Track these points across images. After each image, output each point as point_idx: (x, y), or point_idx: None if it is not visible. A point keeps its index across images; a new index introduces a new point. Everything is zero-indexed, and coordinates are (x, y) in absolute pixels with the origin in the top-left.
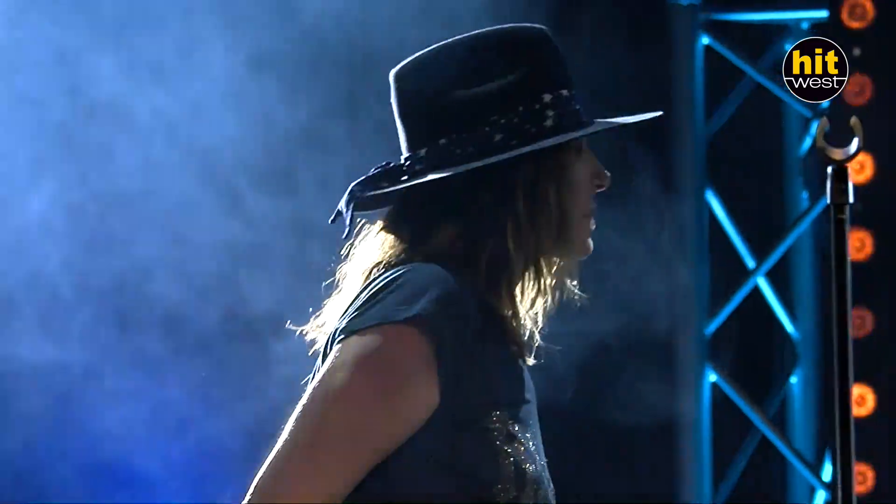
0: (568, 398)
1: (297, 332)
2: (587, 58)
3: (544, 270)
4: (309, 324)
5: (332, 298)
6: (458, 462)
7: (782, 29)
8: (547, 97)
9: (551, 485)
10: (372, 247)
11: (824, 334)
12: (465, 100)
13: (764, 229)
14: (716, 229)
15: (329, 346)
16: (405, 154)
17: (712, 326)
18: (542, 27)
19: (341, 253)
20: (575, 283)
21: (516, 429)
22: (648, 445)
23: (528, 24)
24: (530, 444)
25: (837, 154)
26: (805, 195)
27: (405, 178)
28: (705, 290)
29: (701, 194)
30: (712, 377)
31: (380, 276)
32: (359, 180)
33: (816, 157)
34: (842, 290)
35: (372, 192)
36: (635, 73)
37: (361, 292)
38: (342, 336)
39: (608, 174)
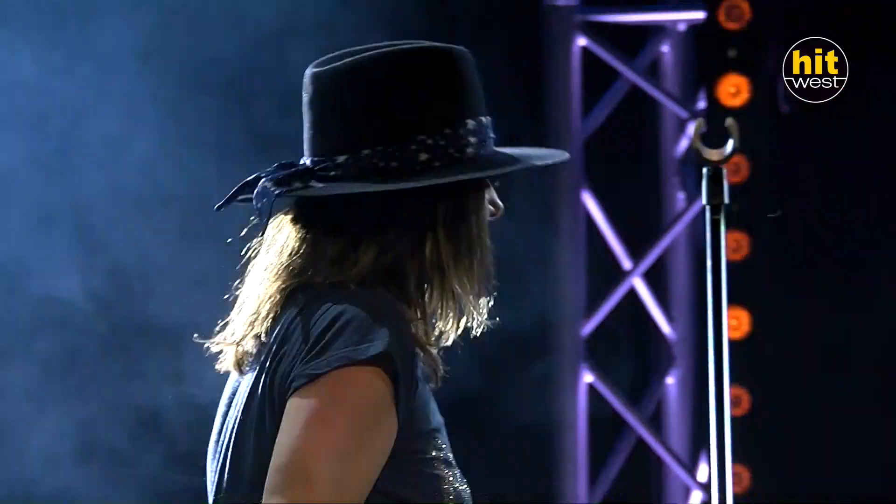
0: (446, 398)
1: (204, 346)
2: None
3: (457, 295)
4: (218, 337)
5: (240, 310)
6: (410, 495)
7: (659, 30)
8: (470, 123)
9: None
10: (289, 259)
11: (700, 335)
12: (392, 113)
13: (640, 230)
14: (592, 230)
15: (282, 384)
16: (315, 157)
17: (588, 327)
18: (465, 50)
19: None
20: (483, 307)
21: (447, 452)
22: (524, 446)
23: (454, 45)
24: (456, 467)
25: (713, 155)
26: (681, 196)
27: (321, 183)
28: (581, 290)
29: (577, 195)
30: (588, 378)
31: (317, 305)
32: (269, 177)
33: (692, 158)
34: (717, 290)
35: (285, 192)
36: (512, 73)
37: (302, 324)
38: (304, 381)
39: (501, 205)
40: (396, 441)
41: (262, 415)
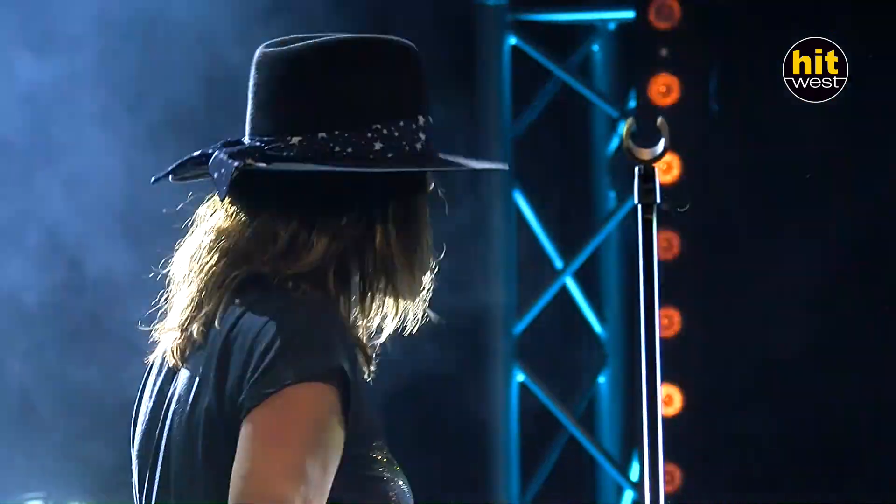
0: (379, 396)
1: (150, 334)
2: None
3: (399, 290)
4: (156, 324)
5: (175, 294)
6: (358, 499)
7: (589, 29)
8: (422, 120)
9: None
10: (231, 241)
11: (632, 334)
12: (352, 99)
13: (571, 229)
14: (523, 229)
15: (233, 403)
16: (262, 136)
17: (520, 326)
18: (412, 45)
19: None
20: (421, 305)
21: (386, 452)
22: (456, 444)
23: (407, 41)
24: (395, 463)
25: (644, 154)
26: (612, 195)
27: (276, 162)
28: (513, 290)
29: (508, 194)
30: (520, 377)
31: (262, 311)
32: (221, 151)
33: (623, 157)
34: (649, 289)
35: (243, 167)
36: (442, 73)
37: (247, 335)
38: (256, 402)
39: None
40: (344, 448)
41: (214, 432)
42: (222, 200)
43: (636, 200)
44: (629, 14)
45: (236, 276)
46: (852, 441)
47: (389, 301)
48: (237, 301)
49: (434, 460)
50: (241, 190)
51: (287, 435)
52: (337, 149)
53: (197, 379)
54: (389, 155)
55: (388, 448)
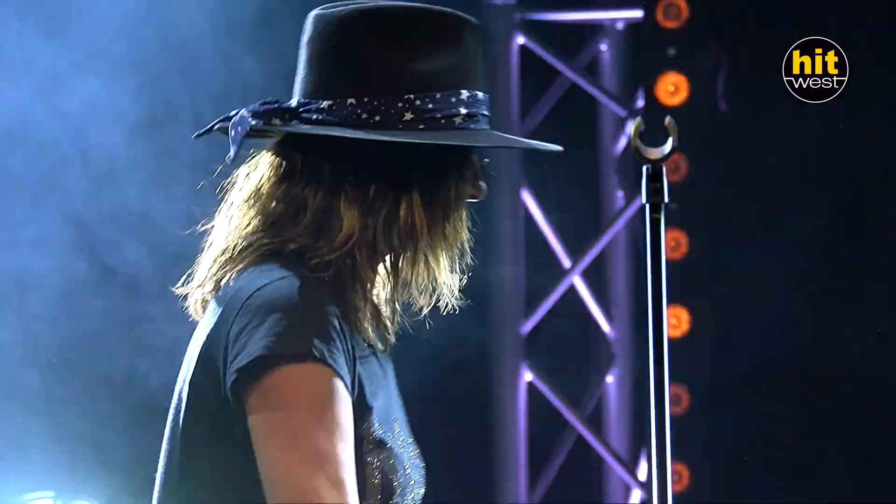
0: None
1: (180, 296)
2: None
3: (429, 264)
4: (188, 285)
5: (206, 251)
6: None
7: (597, 29)
8: (464, 93)
9: (421, 478)
10: (263, 207)
11: (640, 334)
12: (385, 67)
13: (579, 228)
14: (531, 228)
15: (224, 375)
16: (302, 98)
17: (528, 326)
18: (474, 21)
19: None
20: (455, 283)
21: (382, 431)
22: (464, 444)
23: (465, 15)
24: (397, 442)
25: (652, 154)
26: (620, 194)
27: (302, 124)
28: (521, 289)
29: (516, 193)
30: (528, 376)
31: (261, 281)
32: (248, 109)
33: (631, 156)
34: (657, 289)
35: (261, 126)
36: None
37: (235, 306)
38: (233, 377)
39: (484, 187)
40: None
41: (198, 401)
42: (232, 161)
43: (644, 200)
44: (637, 13)
45: (260, 241)
46: (862, 441)
47: (420, 273)
48: (250, 267)
49: (441, 460)
50: (277, 152)
51: (291, 422)
52: (364, 115)
53: (199, 342)
54: (420, 126)
55: (383, 426)
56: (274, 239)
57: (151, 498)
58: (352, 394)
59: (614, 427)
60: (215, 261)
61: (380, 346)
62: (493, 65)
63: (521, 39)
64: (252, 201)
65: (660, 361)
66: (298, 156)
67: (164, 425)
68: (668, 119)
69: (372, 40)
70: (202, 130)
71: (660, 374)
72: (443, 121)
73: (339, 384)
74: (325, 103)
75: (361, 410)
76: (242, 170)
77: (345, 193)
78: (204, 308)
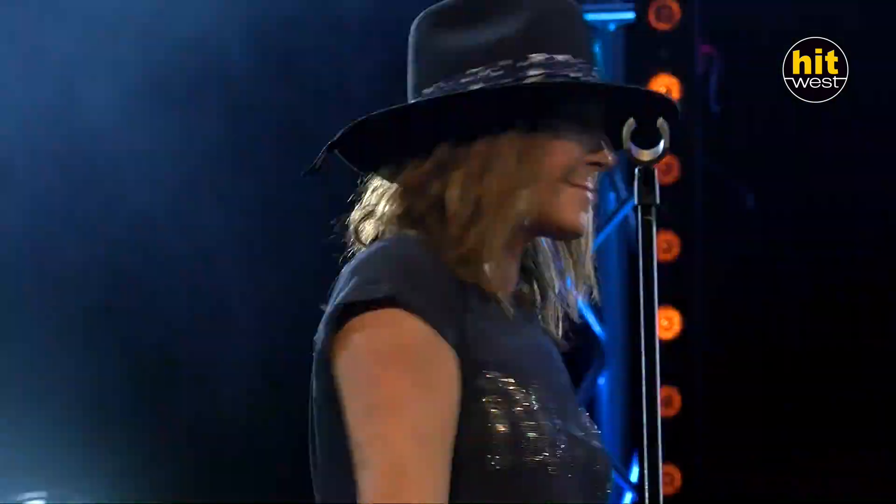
0: None
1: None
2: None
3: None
4: None
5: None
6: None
7: (589, 30)
8: (537, 57)
9: (593, 451)
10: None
11: (631, 335)
12: (448, 51)
13: None
14: None
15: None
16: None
17: None
18: None
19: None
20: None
21: (515, 389)
22: None
23: None
24: (539, 405)
25: (644, 155)
26: (612, 196)
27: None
28: None
29: None
30: None
31: (358, 256)
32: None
33: (623, 158)
34: (649, 291)
35: (372, 116)
36: None
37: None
38: (323, 335)
39: (609, 154)
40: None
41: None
42: (318, 167)
43: (636, 201)
44: (629, 15)
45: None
46: (854, 442)
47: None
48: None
49: None
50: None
51: (378, 373)
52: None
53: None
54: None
55: (521, 386)
56: (372, 221)
57: (141, 499)
58: (455, 343)
59: (606, 428)
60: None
61: (510, 309)
62: None
63: None
64: (366, 196)
65: (651, 363)
66: (383, 149)
67: (158, 426)
68: (659, 120)
69: (431, 32)
70: (326, 148)
71: (651, 375)
72: (511, 84)
73: (423, 328)
74: (412, 101)
75: (478, 360)
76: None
77: (449, 164)
78: None
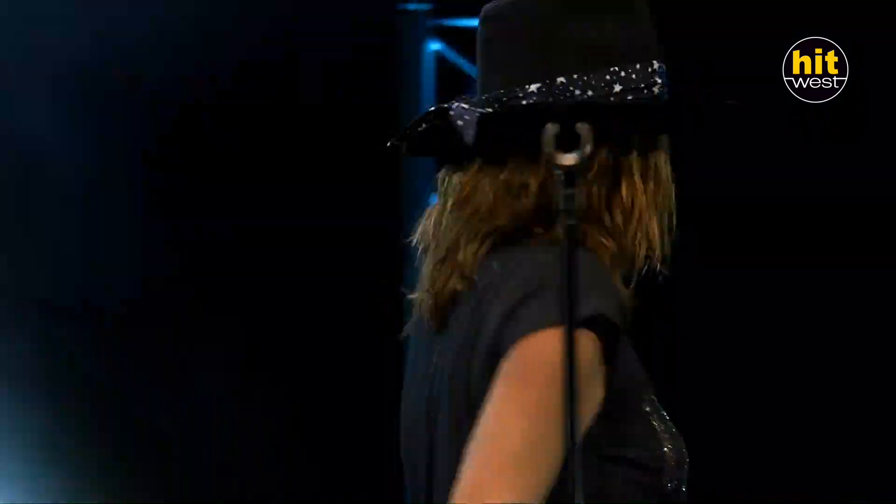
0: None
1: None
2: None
3: (650, 242)
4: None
5: (424, 258)
6: (627, 451)
7: None
8: (657, 64)
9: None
10: (475, 199)
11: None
12: (587, 42)
13: None
14: None
15: (489, 346)
16: (497, 90)
17: None
18: None
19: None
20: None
21: (660, 411)
22: None
23: None
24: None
25: (567, 160)
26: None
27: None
28: None
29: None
30: None
31: (514, 262)
32: (460, 100)
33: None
34: (572, 300)
35: (487, 113)
36: (363, 79)
37: (505, 279)
38: (511, 338)
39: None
40: (606, 399)
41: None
42: (472, 145)
43: (561, 206)
44: None
45: (485, 231)
46: (847, 444)
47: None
48: (489, 257)
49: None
50: (482, 143)
51: (542, 376)
52: (577, 92)
53: (457, 343)
54: (629, 98)
55: (659, 406)
56: (492, 223)
57: None
58: (626, 364)
59: None
60: (439, 266)
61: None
62: (405, 71)
63: (435, 46)
64: (462, 197)
65: (570, 381)
66: (509, 141)
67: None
68: (578, 124)
69: (566, 18)
70: (395, 140)
71: (571, 391)
72: (646, 91)
73: (600, 360)
74: (532, 87)
75: (640, 384)
76: (441, 174)
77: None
78: (439, 316)
